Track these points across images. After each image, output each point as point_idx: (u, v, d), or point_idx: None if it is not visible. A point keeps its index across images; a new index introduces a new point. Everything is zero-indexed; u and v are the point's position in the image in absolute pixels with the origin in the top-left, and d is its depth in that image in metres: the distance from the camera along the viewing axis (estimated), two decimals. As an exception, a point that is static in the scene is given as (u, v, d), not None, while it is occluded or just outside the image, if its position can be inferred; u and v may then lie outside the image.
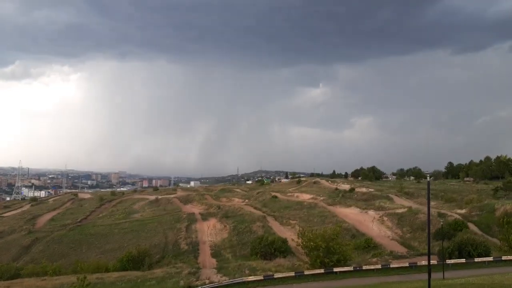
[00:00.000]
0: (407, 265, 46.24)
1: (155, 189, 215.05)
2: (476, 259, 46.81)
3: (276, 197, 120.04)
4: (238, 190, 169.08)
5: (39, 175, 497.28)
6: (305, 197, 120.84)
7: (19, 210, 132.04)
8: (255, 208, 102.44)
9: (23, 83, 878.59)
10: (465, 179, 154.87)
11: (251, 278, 42.16)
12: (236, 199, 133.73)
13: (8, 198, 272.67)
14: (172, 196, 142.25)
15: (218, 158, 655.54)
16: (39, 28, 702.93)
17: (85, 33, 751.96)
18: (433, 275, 35.57)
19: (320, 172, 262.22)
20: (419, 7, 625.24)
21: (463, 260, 46.69)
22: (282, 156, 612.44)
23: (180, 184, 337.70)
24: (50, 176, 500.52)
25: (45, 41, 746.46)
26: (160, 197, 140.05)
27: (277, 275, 42.81)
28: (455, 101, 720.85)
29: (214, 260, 60.73)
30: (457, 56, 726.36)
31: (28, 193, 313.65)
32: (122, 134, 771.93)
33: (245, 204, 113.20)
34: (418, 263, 45.73)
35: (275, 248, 56.38)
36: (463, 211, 78.91)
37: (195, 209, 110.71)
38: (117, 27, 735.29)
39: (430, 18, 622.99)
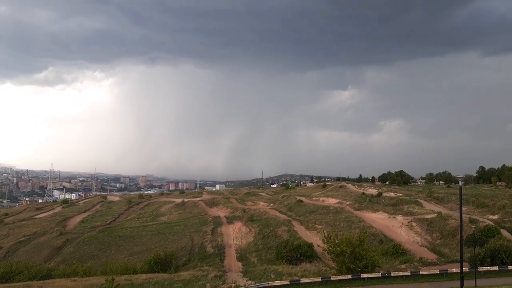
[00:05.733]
0: (438, 272, 45.06)
1: (182, 192, 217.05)
2: (510, 267, 45.13)
3: (301, 201, 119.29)
4: (263, 193, 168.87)
5: (70, 178, 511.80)
6: (331, 201, 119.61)
7: (50, 212, 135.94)
8: (280, 212, 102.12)
9: (56, 89, 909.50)
10: (497, 184, 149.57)
11: (277, 282, 41.94)
12: (261, 203, 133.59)
13: (40, 200, 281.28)
14: (198, 199, 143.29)
15: (244, 162, 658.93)
16: (71, 34, 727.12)
17: (116, 39, 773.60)
18: (465, 283, 34.68)
19: (346, 176, 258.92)
20: (448, 9, 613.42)
21: (496, 268, 45.15)
22: (307, 160, 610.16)
23: (205, 187, 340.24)
24: (81, 179, 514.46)
25: (77, 47, 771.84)
26: (186, 200, 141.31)
27: (303, 280, 42.45)
28: (487, 104, 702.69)
29: (239, 264, 60.90)
30: (488, 58, 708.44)
31: (59, 195, 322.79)
32: (150, 139, 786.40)
33: (270, 208, 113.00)
34: (449, 270, 44.50)
35: (300, 253, 56.08)
36: (495, 217, 76.45)
37: (220, 212, 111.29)
38: (147, 33, 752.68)
39: (460, 20, 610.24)
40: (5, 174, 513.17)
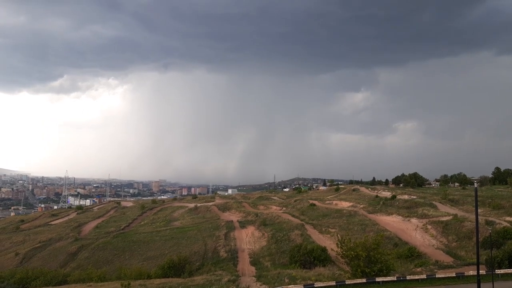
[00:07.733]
0: (454, 275, 44.34)
1: (194, 197, 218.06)
2: (529, 270, 44.27)
3: (314, 205, 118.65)
4: (275, 197, 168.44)
5: (84, 184, 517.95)
6: (344, 204, 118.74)
7: (65, 218, 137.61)
8: (293, 216, 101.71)
9: (71, 97, 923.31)
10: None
11: (291, 287, 41.67)
12: (274, 207, 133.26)
13: (55, 207, 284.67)
14: (211, 204, 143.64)
15: (256, 166, 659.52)
16: (87, 42, 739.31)
17: (129, 46, 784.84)
18: (482, 286, 33.97)
19: (360, 179, 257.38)
20: (461, 8, 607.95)
21: (514, 270, 44.32)
22: (320, 163, 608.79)
23: (218, 192, 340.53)
24: (95, 185, 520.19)
25: (92, 55, 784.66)
26: (199, 204, 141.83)
27: (317, 284, 42.10)
28: (503, 103, 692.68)
29: (253, 268, 60.68)
30: (503, 56, 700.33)
31: (74, 201, 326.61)
32: (163, 144, 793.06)
33: (282, 212, 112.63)
34: (466, 273, 43.78)
35: (314, 257, 55.73)
36: (512, 218, 75.15)
37: (233, 216, 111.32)
38: (160, 39, 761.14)
39: (473, 19, 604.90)
40: (21, 181, 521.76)
